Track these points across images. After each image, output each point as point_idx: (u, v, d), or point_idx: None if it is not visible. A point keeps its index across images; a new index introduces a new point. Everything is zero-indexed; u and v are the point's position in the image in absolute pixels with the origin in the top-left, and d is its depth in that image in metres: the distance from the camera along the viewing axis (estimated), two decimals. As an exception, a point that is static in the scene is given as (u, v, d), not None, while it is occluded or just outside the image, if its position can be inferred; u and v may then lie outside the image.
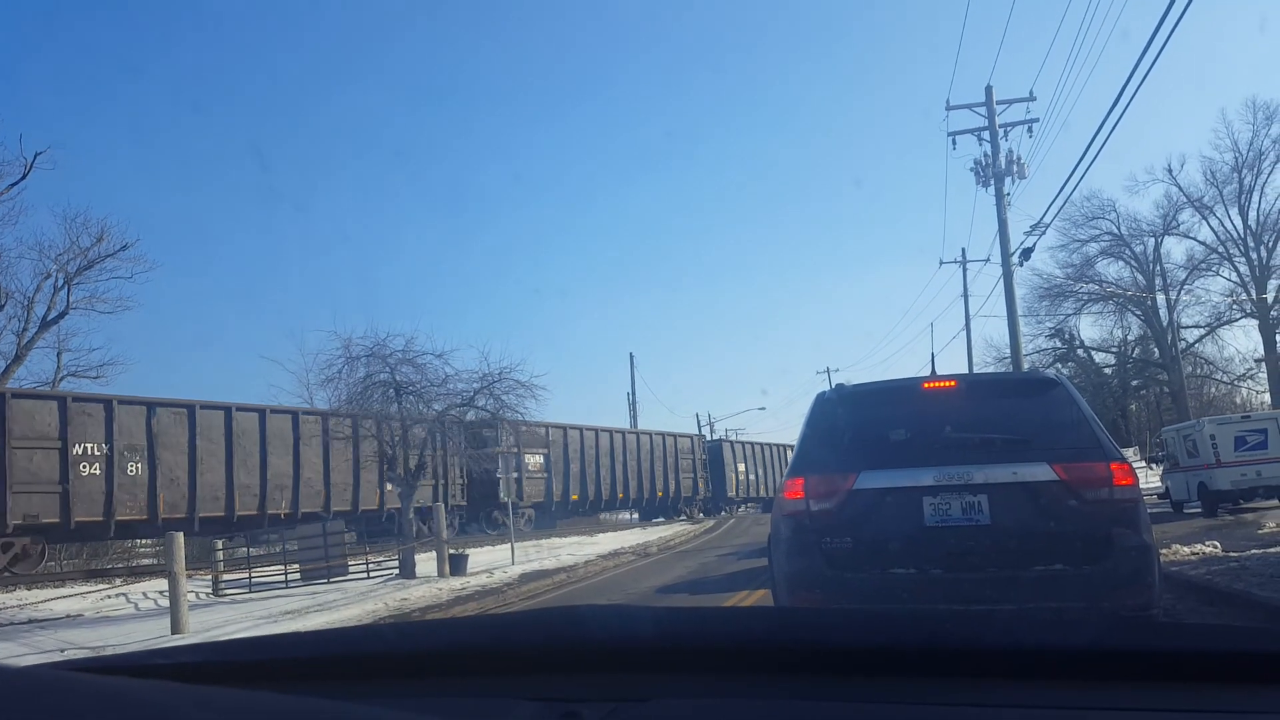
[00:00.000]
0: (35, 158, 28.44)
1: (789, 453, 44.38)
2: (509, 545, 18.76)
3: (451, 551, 16.35)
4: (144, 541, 36.58)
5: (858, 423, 5.55)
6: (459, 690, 1.24)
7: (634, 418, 47.37)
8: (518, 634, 1.40)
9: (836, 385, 6.06)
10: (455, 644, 1.37)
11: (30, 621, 12.43)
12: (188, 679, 1.09)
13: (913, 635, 1.25)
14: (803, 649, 1.22)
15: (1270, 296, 41.93)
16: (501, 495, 25.24)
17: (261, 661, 1.30)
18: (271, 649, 1.46)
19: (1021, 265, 22.01)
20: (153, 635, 9.97)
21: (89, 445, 18.44)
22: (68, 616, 12.89)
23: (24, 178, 28.43)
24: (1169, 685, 1.11)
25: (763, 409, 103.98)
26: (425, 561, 16.36)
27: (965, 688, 1.13)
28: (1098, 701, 1.09)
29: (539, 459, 29.05)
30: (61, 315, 28.97)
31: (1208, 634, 1.21)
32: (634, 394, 49.41)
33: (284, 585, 15.78)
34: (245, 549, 18.84)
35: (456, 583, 14.45)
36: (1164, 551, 10.55)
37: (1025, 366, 23.59)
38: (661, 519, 36.06)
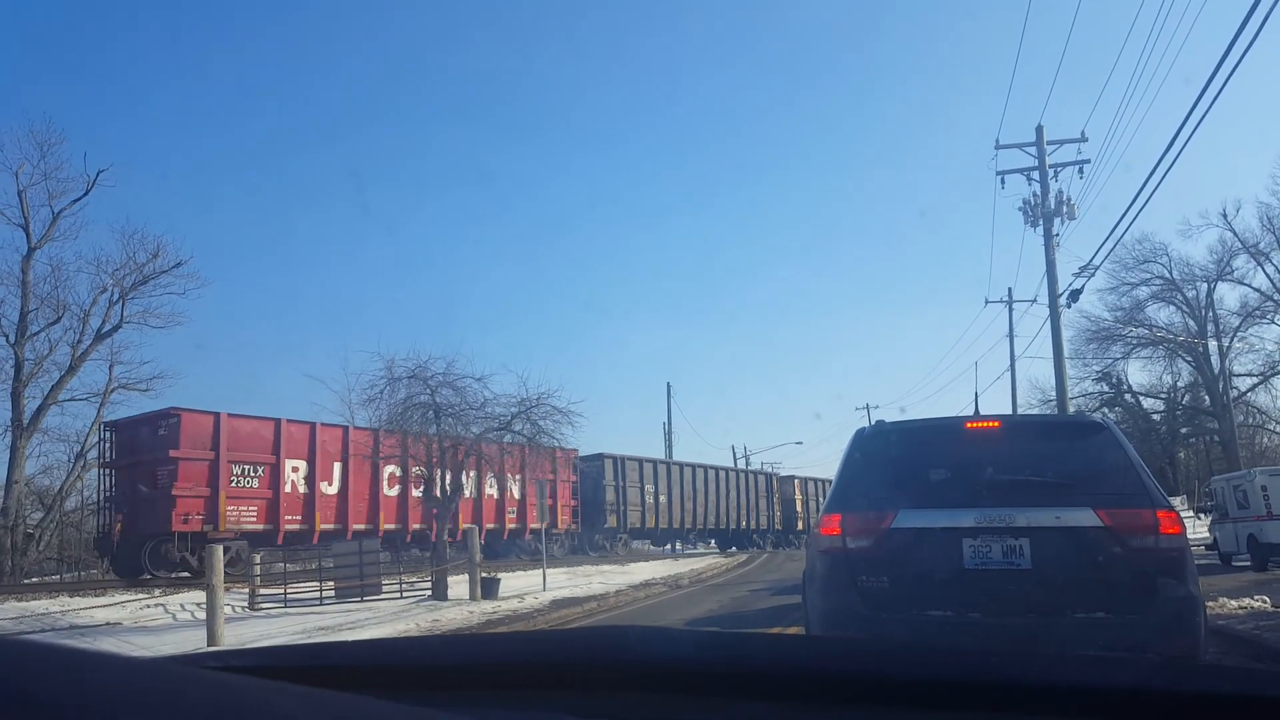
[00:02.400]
0: (98, 175, 29.34)
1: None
2: (541, 571, 18.78)
3: (484, 575, 16.41)
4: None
5: (897, 460, 5.50)
6: (502, 703, 1.26)
7: (669, 448, 47.22)
8: (562, 651, 1.42)
9: (876, 422, 6.01)
10: (501, 658, 1.40)
11: (72, 627, 12.67)
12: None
13: (955, 669, 1.24)
14: (844, 679, 1.22)
15: (1327, 347, 40.83)
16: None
17: (314, 668, 1.33)
18: (324, 656, 1.49)
19: (1069, 307, 21.73)
20: (189, 646, 10.11)
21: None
22: (107, 624, 13.11)
23: (86, 194, 29.32)
24: None
25: (799, 443, 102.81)
26: (458, 584, 16.42)
27: None
28: None
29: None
30: (115, 329, 29.68)
31: (1259, 679, 1.19)
32: (670, 424, 49.29)
33: (318, 602, 15.92)
34: (283, 564, 19.08)
35: (488, 606, 14.48)
36: (1211, 604, 10.25)
37: (1071, 410, 23.17)
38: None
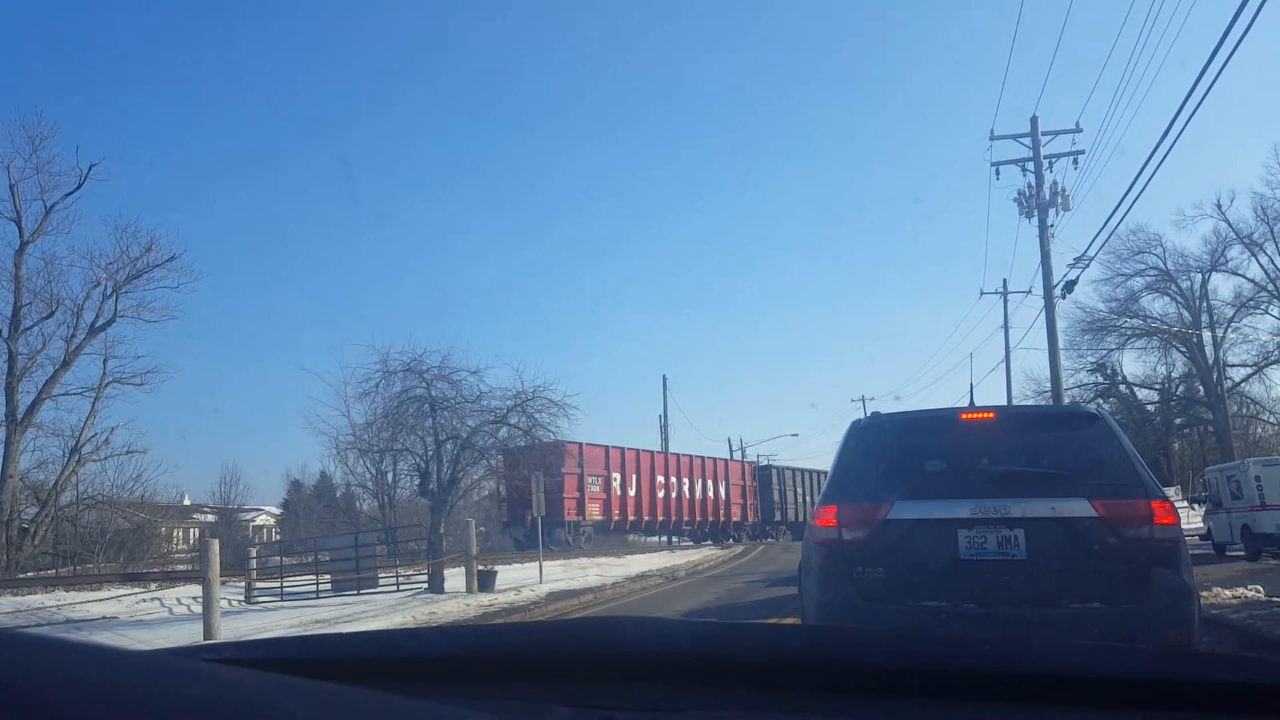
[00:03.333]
0: (90, 169, 29.19)
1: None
2: (537, 563, 18.77)
3: (480, 567, 16.40)
4: (180, 545, 37.25)
5: (893, 452, 5.51)
6: (498, 694, 1.26)
7: (665, 440, 47.28)
8: (557, 641, 1.42)
9: (872, 413, 6.02)
10: (496, 649, 1.40)
11: (68, 622, 12.66)
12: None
13: (949, 658, 1.24)
14: (838, 668, 1.23)
15: (1321, 337, 40.96)
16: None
17: (310, 660, 1.32)
18: (318, 648, 1.48)
19: (1064, 298, 21.74)
20: (185, 640, 10.10)
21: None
22: (103, 618, 13.11)
23: (79, 188, 29.17)
24: (1211, 717, 1.09)
25: (795, 435, 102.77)
26: (454, 576, 16.43)
27: (1000, 712, 1.13)
28: None
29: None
30: (109, 323, 29.52)
31: (1254, 667, 1.20)
32: (666, 416, 49.33)
33: (314, 595, 15.92)
34: (278, 558, 19.11)
35: (485, 599, 14.49)
36: (1205, 594, 10.30)
37: (1066, 400, 23.22)
38: (690, 543, 37.32)
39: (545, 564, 18.92)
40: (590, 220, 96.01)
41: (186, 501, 43.38)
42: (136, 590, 16.32)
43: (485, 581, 16.03)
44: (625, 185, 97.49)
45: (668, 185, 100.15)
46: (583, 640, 1.38)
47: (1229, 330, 42.51)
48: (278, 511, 52.06)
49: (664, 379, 50.19)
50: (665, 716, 1.14)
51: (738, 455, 54.98)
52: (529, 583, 16.96)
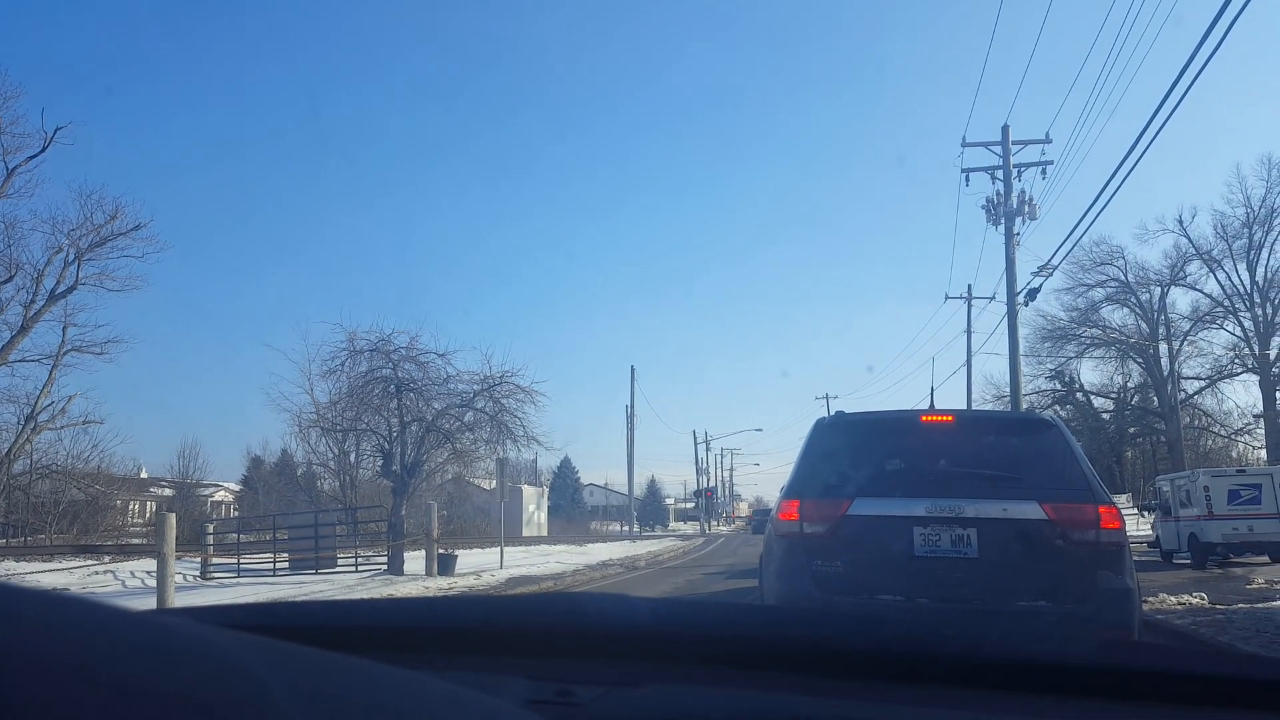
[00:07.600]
0: (55, 132, 28.53)
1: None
2: (498, 548, 18.78)
3: (441, 551, 16.38)
4: (135, 519, 36.72)
5: (855, 450, 5.63)
6: (455, 665, 1.27)
7: (631, 430, 47.35)
8: (516, 615, 1.44)
9: (836, 412, 6.14)
10: (454, 621, 1.41)
11: (18, 592, 12.47)
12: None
13: (906, 641, 1.29)
14: (797, 646, 1.27)
15: (1272, 353, 41.99)
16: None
17: (260, 626, 1.29)
18: (271, 615, 1.46)
19: (1027, 305, 22.06)
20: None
21: None
22: (54, 589, 12.92)
23: (43, 151, 28.53)
24: (1162, 706, 1.15)
25: (760, 430, 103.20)
26: (414, 559, 16.38)
27: (954, 695, 1.16)
28: (1089, 716, 1.12)
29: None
30: (70, 290, 28.95)
31: (1199, 659, 1.25)
32: (632, 407, 49.38)
33: (272, 574, 15.81)
34: (236, 535, 18.92)
35: (444, 582, 14.49)
36: (1151, 600, 10.56)
37: (1024, 406, 23.60)
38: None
39: (507, 549, 18.92)
40: (565, 208, 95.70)
41: (143, 474, 42.70)
42: (89, 562, 16.11)
43: (445, 565, 16.02)
44: (602, 175, 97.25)
45: (640, 177, 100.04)
46: (541, 614, 1.40)
47: (1185, 343, 43.45)
48: (237, 488, 51.35)
49: (631, 369, 50.27)
50: (623, 690, 1.16)
51: (702, 447, 55.31)
52: (490, 567, 16.97)
